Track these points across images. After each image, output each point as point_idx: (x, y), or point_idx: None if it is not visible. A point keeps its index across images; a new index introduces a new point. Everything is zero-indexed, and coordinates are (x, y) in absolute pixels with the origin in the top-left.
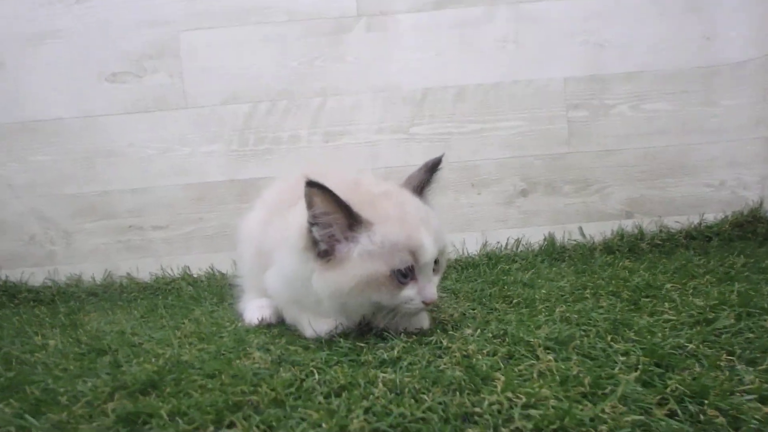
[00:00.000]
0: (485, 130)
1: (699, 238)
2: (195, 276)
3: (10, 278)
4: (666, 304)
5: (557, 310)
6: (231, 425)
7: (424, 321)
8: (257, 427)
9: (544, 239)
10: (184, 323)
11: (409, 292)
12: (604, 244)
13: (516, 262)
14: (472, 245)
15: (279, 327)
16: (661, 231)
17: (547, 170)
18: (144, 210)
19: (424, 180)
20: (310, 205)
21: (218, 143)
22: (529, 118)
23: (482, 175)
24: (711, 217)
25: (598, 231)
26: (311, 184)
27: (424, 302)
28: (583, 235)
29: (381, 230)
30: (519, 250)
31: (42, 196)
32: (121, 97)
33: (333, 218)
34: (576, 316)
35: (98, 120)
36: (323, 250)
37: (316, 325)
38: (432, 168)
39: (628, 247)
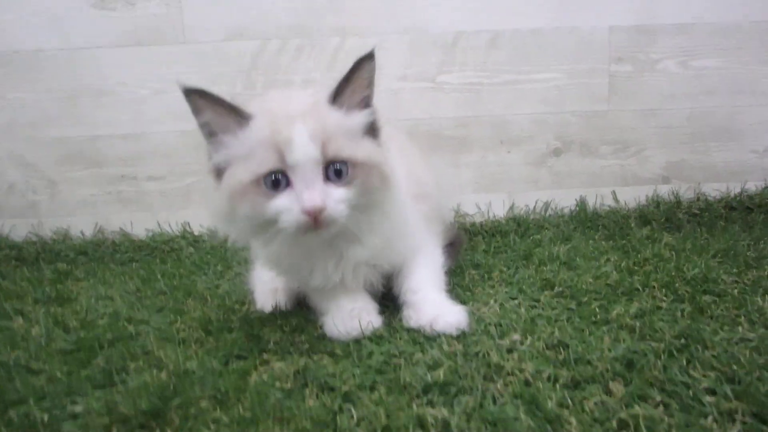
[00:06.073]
0: (519, 81)
1: (739, 209)
2: (196, 233)
3: None
4: (733, 310)
5: (614, 312)
6: None
7: (461, 318)
8: None
9: (576, 204)
10: (186, 303)
11: (282, 201)
12: (639, 212)
13: (545, 228)
14: (498, 207)
15: (296, 316)
16: (698, 199)
17: (583, 129)
18: (138, 158)
19: (341, 79)
20: (197, 112)
21: (221, 85)
22: (569, 71)
23: (513, 132)
24: (752, 186)
25: (633, 196)
26: (190, 92)
27: (304, 212)
28: (616, 200)
29: (249, 129)
30: (548, 214)
31: (22, 139)
32: (109, 28)
33: (222, 121)
34: (638, 323)
35: (83, 53)
36: (216, 166)
37: (339, 322)
38: (353, 66)
39: (664, 216)
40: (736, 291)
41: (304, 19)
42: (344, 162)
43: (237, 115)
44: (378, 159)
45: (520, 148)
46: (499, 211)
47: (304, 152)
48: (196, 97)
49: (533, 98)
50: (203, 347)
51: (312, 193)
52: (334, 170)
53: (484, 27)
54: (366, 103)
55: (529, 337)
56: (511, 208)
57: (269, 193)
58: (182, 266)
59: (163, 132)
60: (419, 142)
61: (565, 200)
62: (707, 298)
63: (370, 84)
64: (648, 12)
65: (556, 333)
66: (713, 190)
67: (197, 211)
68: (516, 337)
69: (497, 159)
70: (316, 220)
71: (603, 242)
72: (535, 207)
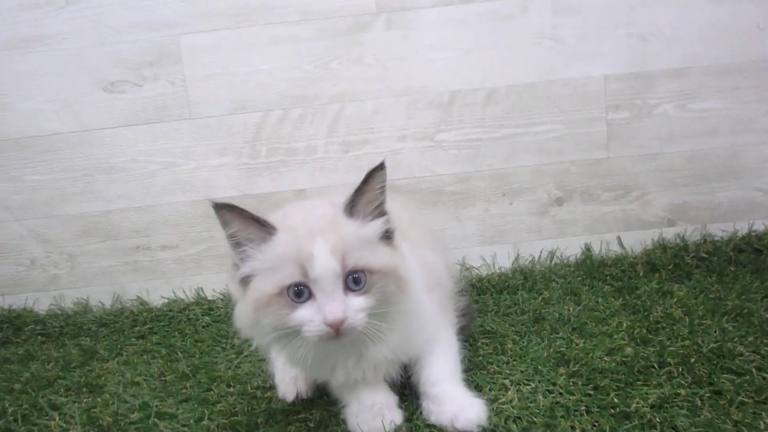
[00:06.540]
0: (518, 135)
1: (748, 250)
2: (210, 298)
3: (13, 306)
4: (753, 395)
5: (633, 404)
6: None
7: (481, 414)
8: None
9: (581, 251)
10: (211, 391)
11: (305, 312)
12: (646, 257)
13: (553, 281)
14: (503, 259)
15: (318, 407)
16: (705, 241)
17: (584, 177)
18: (150, 229)
19: (354, 191)
20: (225, 225)
21: (227, 156)
22: (566, 121)
23: (514, 184)
24: (760, 225)
25: (638, 240)
26: (219, 206)
27: (327, 324)
28: (621, 246)
29: (273, 243)
30: (553, 263)
31: (41, 217)
32: (119, 109)
33: (248, 233)
34: (658, 418)
35: (96, 134)
36: (242, 276)
37: (362, 421)
38: (365, 177)
39: (672, 262)
40: (753, 368)
41: (303, 89)
42: (362, 270)
43: (262, 227)
44: (394, 264)
45: (522, 199)
46: (505, 262)
47: (325, 267)
48: (225, 211)
49: (532, 150)
50: None
51: (333, 305)
52: (353, 278)
53: (480, 85)
54: (380, 211)
55: None
56: (517, 258)
57: (292, 304)
58: (200, 339)
59: (174, 203)
60: (422, 198)
61: (570, 248)
62: (725, 378)
63: (383, 192)
64: (642, 58)
65: (577, 431)
66: (720, 230)
67: (209, 276)
68: None
69: (500, 211)
70: (337, 330)
71: (612, 299)
72: (540, 257)
